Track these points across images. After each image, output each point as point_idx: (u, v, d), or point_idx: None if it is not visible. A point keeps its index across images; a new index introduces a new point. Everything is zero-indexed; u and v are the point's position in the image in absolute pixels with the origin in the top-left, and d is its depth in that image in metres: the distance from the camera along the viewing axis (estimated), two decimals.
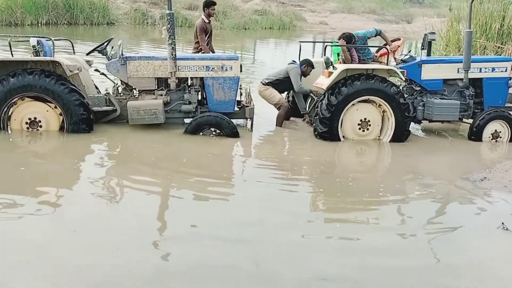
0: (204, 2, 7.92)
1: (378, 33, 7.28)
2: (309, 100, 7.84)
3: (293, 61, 7.46)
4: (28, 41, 6.42)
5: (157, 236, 3.68)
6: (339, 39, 7.10)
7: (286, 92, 7.74)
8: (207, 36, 7.82)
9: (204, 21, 7.82)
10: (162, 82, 6.68)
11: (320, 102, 6.59)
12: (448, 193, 4.97)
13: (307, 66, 7.29)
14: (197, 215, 4.08)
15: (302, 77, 7.30)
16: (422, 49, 7.37)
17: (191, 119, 6.53)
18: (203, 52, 7.76)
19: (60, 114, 6.23)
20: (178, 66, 6.53)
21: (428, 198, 4.82)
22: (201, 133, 6.44)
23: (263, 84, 7.45)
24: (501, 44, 10.73)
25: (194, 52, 7.78)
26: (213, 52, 8.00)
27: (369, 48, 7.36)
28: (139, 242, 3.57)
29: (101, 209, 4.15)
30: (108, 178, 4.90)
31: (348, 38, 7.03)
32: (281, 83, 7.33)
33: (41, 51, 6.39)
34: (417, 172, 5.59)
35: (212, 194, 4.61)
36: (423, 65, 7.12)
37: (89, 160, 5.50)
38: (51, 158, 5.54)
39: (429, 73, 7.13)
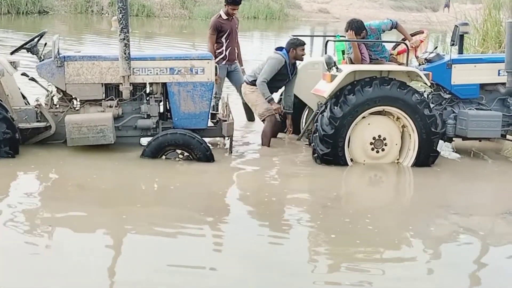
0: None
1: (394, 26, 7.34)
2: (306, 113, 7.87)
3: (280, 48, 7.48)
4: None
5: None
6: (346, 30, 7.14)
7: (280, 96, 7.78)
8: (224, 37, 8.15)
9: (221, 17, 8.22)
10: (111, 90, 6.67)
11: (321, 115, 6.62)
12: (493, 233, 5.01)
13: (294, 48, 7.31)
14: (155, 272, 4.02)
15: (295, 64, 7.34)
16: (452, 44, 7.46)
17: (150, 138, 6.51)
18: None
19: None
20: (133, 69, 6.52)
21: (472, 243, 4.84)
22: (163, 157, 6.41)
23: (247, 83, 7.49)
24: None
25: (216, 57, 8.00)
26: (233, 59, 8.29)
27: (384, 44, 7.44)
28: None
29: (26, 259, 4.08)
30: (37, 219, 4.82)
31: (358, 26, 7.05)
32: (269, 81, 7.37)
33: None
34: (450, 207, 5.61)
35: (176, 243, 4.54)
36: (453, 65, 7.21)
37: (13, 195, 5.41)
38: None
39: (462, 76, 7.21)
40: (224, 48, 8.20)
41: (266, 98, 7.25)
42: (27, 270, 3.93)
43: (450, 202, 5.84)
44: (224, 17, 8.24)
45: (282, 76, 7.34)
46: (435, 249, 4.69)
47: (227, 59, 8.23)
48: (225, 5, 8.30)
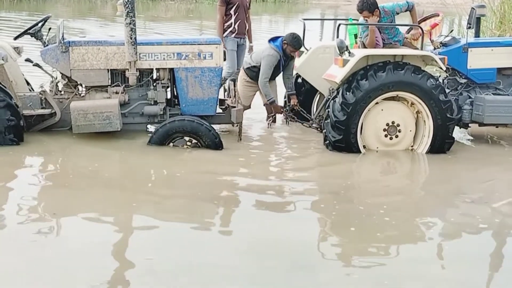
0: None
1: (410, 8, 7.25)
2: (318, 99, 7.86)
3: (274, 38, 7.53)
4: None
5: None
6: (360, 11, 7.01)
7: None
8: (233, 10, 8.20)
9: None
10: (117, 76, 6.68)
11: (333, 101, 6.61)
12: (510, 222, 5.00)
13: (287, 44, 7.39)
14: (162, 259, 4.06)
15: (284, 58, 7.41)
16: (469, 28, 7.42)
17: (158, 125, 6.53)
18: (218, 33, 8.11)
19: None
20: (140, 54, 6.53)
21: (489, 232, 4.84)
22: (171, 144, 6.43)
23: (245, 70, 7.67)
24: None
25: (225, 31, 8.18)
26: (243, 33, 8.33)
27: (398, 27, 7.40)
28: None
29: (28, 246, 4.10)
30: (41, 207, 4.86)
31: (372, 3, 6.96)
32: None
33: None
34: (466, 195, 5.62)
35: (184, 232, 4.54)
36: (469, 49, 7.17)
37: (17, 183, 5.45)
38: None
39: (478, 60, 7.18)
40: (233, 21, 8.25)
41: (268, 100, 7.41)
42: (28, 258, 3.95)
43: (466, 190, 5.83)
44: None
45: (275, 71, 7.49)
46: (454, 241, 4.69)
47: (236, 32, 8.26)
48: None
